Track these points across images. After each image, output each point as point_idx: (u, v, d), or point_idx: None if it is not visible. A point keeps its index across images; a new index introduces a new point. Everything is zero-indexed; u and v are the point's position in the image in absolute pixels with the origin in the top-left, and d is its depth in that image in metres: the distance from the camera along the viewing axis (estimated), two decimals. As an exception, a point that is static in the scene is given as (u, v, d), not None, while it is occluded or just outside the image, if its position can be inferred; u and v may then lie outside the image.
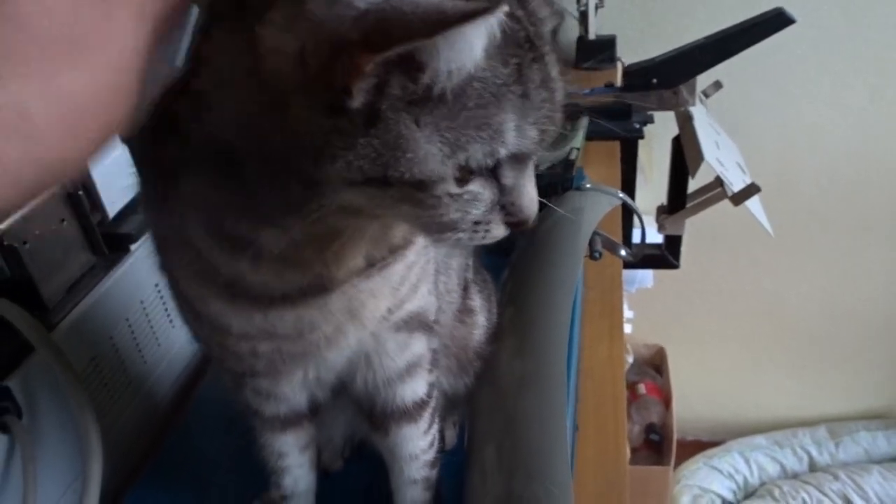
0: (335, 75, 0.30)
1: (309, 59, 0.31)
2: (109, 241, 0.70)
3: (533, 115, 0.34)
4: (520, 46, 0.33)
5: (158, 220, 0.45)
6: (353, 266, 0.44)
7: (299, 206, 0.36)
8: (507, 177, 0.36)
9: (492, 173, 0.36)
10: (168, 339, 0.78)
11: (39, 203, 0.63)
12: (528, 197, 0.38)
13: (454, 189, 0.34)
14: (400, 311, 0.49)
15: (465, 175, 0.34)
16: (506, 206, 0.37)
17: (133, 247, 0.72)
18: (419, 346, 0.53)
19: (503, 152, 0.34)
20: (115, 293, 0.70)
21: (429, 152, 0.32)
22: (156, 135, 0.37)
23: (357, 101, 0.31)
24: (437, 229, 0.37)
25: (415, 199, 0.34)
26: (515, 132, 0.34)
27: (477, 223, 0.37)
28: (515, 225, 0.38)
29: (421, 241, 0.47)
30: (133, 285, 0.72)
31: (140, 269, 0.72)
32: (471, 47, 0.30)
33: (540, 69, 0.34)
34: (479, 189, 0.35)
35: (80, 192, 0.67)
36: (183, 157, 0.38)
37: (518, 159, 0.36)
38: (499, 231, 0.38)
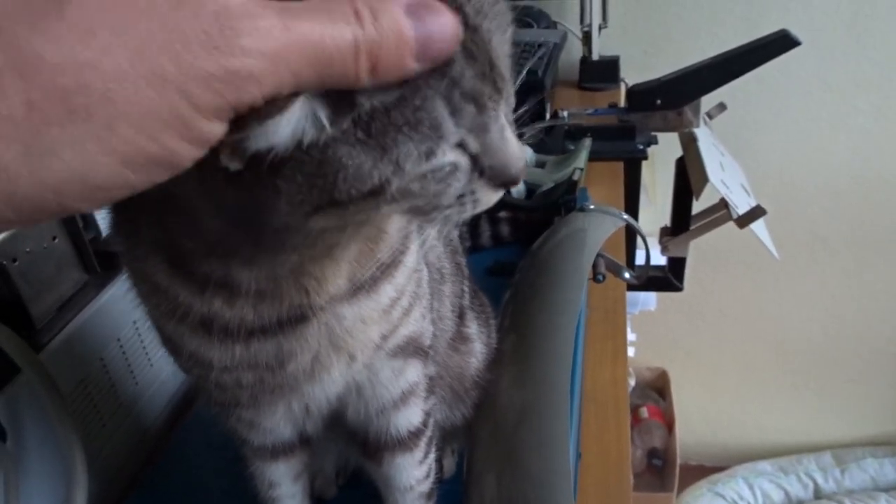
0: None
1: None
2: (102, 259, 0.69)
3: (458, 91, 0.30)
4: None
5: (128, 263, 0.43)
6: (335, 290, 0.41)
7: (277, 243, 0.35)
8: (471, 145, 0.33)
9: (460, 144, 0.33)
10: (161, 360, 0.76)
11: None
12: (505, 154, 0.34)
13: (422, 169, 0.31)
14: (395, 336, 0.47)
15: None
16: (485, 170, 0.34)
17: (126, 265, 0.71)
18: (414, 372, 0.50)
19: (444, 146, 0.31)
20: (106, 312, 0.69)
21: (359, 165, 0.30)
22: None
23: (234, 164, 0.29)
24: (420, 213, 0.34)
25: (378, 203, 0.32)
26: (451, 118, 0.31)
27: (460, 196, 0.34)
28: (504, 185, 0.35)
29: (410, 264, 0.45)
30: (125, 304, 0.69)
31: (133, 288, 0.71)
32: (293, 124, 0.28)
33: None
34: (451, 160, 0.32)
35: (73, 209, 0.66)
36: (141, 203, 0.37)
37: (473, 128, 0.32)
38: (488, 197, 0.35)
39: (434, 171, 0.32)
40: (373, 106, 0.28)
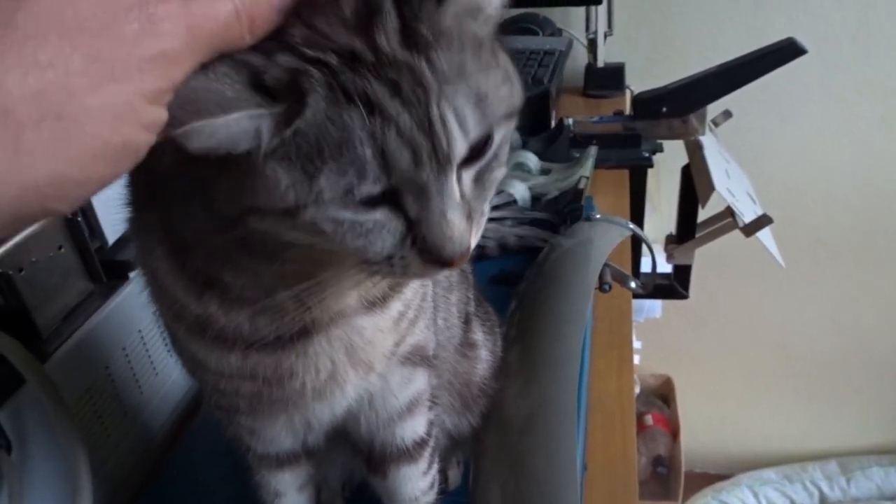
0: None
1: None
2: (108, 268, 0.69)
3: (393, 132, 0.30)
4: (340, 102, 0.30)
5: (139, 260, 0.44)
6: (340, 307, 0.41)
7: (249, 247, 0.35)
8: (411, 208, 0.33)
9: (396, 204, 0.33)
10: (166, 368, 0.76)
11: (37, 229, 0.62)
12: (441, 233, 0.33)
13: (340, 214, 0.31)
14: (403, 344, 0.48)
15: (363, 201, 0.31)
16: (417, 240, 0.34)
17: (132, 274, 0.70)
18: (421, 380, 0.51)
19: (363, 188, 0.31)
20: (112, 322, 0.69)
21: (278, 182, 0.30)
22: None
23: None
24: (354, 259, 0.34)
25: (296, 225, 0.32)
26: (376, 158, 0.30)
27: (390, 257, 0.34)
28: (432, 262, 0.34)
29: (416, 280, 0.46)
30: (131, 313, 0.71)
31: (138, 297, 0.70)
32: (233, 130, 0.29)
33: (359, 113, 0.30)
34: (377, 218, 0.32)
35: (79, 218, 0.66)
36: (150, 187, 0.38)
37: (413, 188, 0.32)
38: (418, 269, 0.34)
39: (354, 224, 0.32)
40: (302, 129, 0.30)
